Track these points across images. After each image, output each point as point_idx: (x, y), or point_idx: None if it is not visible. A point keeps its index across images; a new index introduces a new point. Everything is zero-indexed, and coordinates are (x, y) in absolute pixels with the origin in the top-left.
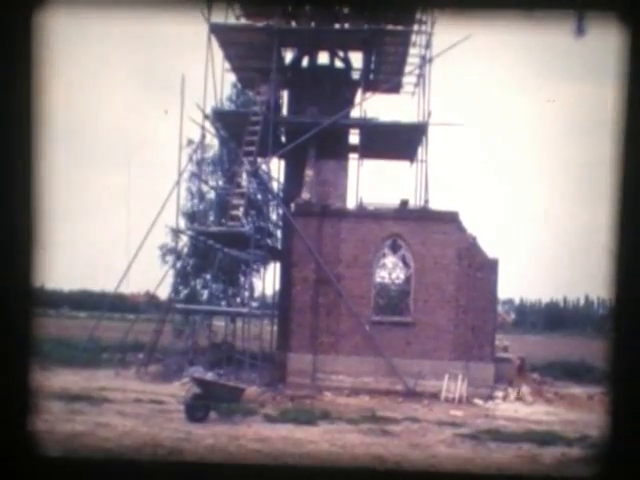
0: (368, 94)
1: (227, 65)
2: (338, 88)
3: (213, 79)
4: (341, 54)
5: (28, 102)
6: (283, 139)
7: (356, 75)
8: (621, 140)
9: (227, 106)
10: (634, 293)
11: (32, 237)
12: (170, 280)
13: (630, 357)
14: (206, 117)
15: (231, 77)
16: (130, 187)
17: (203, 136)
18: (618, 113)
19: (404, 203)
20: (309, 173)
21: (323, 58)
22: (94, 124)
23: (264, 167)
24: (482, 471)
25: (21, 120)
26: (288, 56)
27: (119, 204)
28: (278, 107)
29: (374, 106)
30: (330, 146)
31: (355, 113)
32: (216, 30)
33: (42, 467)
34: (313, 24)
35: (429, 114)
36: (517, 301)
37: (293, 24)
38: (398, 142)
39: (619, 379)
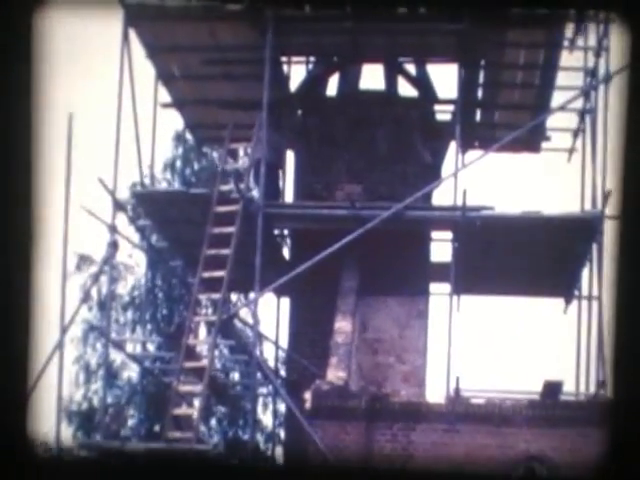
0: (472, 154)
1: (165, 96)
2: (405, 141)
3: (134, 124)
4: (411, 69)
5: (28, 102)
6: (286, 251)
7: (444, 114)
8: (622, 139)
9: (164, 182)
10: None
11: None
12: None
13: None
14: (119, 207)
15: (174, 120)
16: None
17: (113, 246)
18: (618, 113)
19: (552, 388)
20: (343, 326)
21: (371, 77)
22: None
23: (246, 313)
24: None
25: (20, 120)
26: (296, 74)
27: None
28: (275, 185)
29: (485, 181)
30: (389, 267)
31: (443, 196)
32: (138, 20)
33: (41, 468)
34: (349, 9)
35: (607, 195)
36: None
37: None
38: (537, 258)
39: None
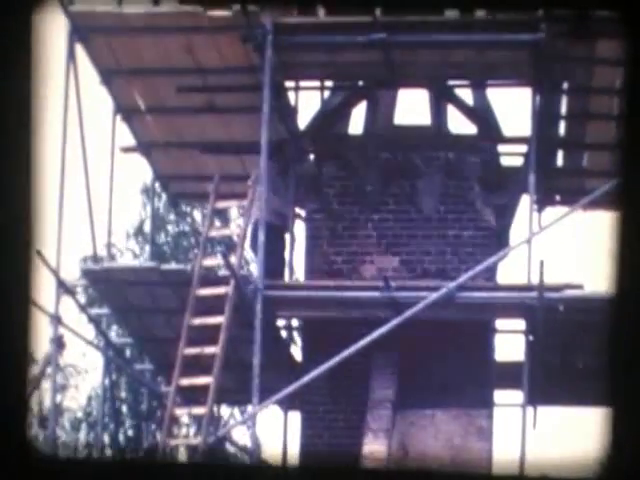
0: (552, 212)
1: (128, 136)
2: (459, 196)
3: (85, 175)
4: (466, 97)
5: (27, 103)
6: (295, 349)
7: (513, 157)
8: (623, 142)
9: (127, 255)
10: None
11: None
12: None
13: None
14: (66, 290)
15: (140, 169)
16: None
17: (58, 344)
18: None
19: None
20: (375, 450)
21: (411, 108)
22: None
23: (242, 434)
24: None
25: (19, 121)
26: (308, 105)
27: None
28: (280, 257)
29: (570, 249)
30: (437, 369)
31: (512, 271)
32: (89, 34)
33: (40, 469)
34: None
35: None
36: None
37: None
38: None
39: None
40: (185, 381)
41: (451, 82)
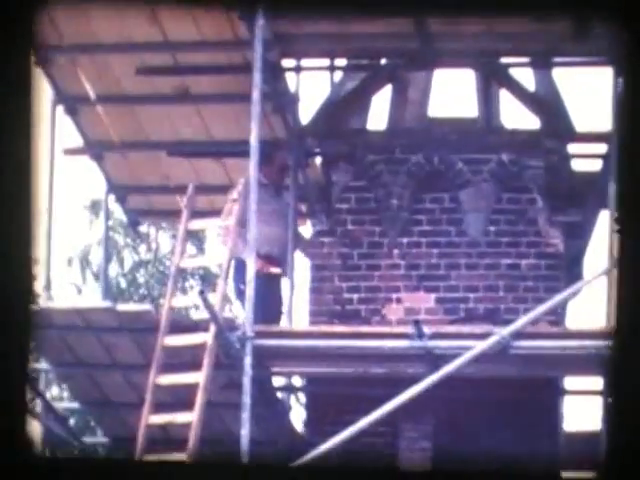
0: None
1: (73, 135)
2: (516, 212)
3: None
4: (526, 79)
5: (27, 103)
6: (297, 414)
7: (588, 160)
8: (622, 140)
9: (70, 289)
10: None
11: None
12: None
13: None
14: None
15: (88, 178)
16: None
17: None
18: (618, 113)
19: None
20: None
21: (451, 95)
22: None
23: None
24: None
25: (19, 121)
26: (313, 92)
27: None
28: (275, 296)
29: None
30: (486, 441)
31: (588, 310)
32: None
33: (39, 468)
34: None
35: None
36: None
37: None
38: None
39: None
40: (152, 458)
41: (505, 60)
